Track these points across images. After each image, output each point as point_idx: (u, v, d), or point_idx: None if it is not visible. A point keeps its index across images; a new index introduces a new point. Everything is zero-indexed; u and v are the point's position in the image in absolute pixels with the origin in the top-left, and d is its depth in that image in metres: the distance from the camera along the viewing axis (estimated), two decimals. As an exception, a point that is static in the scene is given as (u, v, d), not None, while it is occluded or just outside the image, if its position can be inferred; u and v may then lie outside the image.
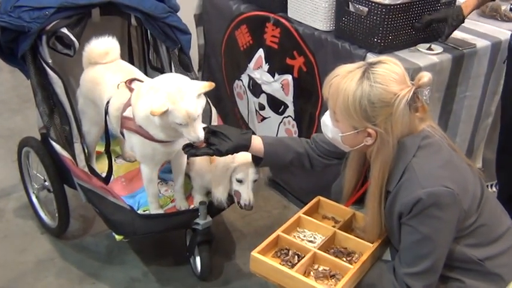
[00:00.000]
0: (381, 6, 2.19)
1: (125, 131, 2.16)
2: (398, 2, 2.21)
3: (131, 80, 2.23)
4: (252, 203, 2.11)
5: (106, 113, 2.23)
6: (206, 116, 2.53)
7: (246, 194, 2.11)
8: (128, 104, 2.11)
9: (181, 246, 2.47)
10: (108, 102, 2.22)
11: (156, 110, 1.87)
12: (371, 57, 2.26)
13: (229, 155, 1.98)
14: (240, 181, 2.10)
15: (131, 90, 2.15)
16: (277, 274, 1.64)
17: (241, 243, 2.68)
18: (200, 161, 2.25)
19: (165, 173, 2.49)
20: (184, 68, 2.60)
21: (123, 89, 2.20)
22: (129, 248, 2.61)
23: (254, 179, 2.11)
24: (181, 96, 1.89)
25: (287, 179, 2.94)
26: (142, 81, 2.23)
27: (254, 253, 1.68)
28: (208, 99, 2.56)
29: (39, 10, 2.25)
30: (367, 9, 2.23)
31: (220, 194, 2.14)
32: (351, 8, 2.30)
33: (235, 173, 2.09)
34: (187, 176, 2.36)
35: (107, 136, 2.32)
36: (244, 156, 2.08)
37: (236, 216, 2.83)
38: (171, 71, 2.61)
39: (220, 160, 2.09)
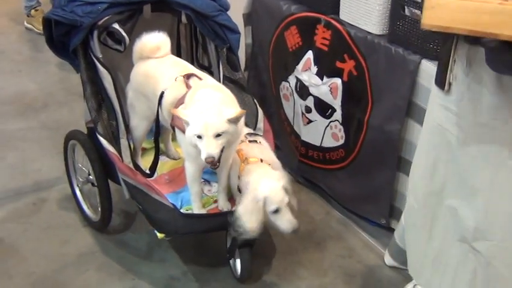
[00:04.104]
0: (439, 11, 2.14)
1: (175, 127, 2.20)
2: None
3: (189, 76, 2.25)
4: (296, 225, 2.10)
5: (159, 104, 2.26)
6: (252, 116, 2.54)
7: (287, 222, 2.10)
8: (181, 101, 2.13)
9: (221, 248, 2.47)
10: (162, 94, 2.25)
11: (178, 113, 2.00)
12: (426, 64, 2.23)
13: (254, 186, 2.06)
14: (276, 211, 2.09)
15: (188, 86, 2.18)
16: (471, 14, 1.30)
17: (282, 247, 2.67)
18: (234, 166, 2.26)
19: (209, 174, 2.50)
20: (232, 67, 2.61)
21: (179, 83, 2.23)
22: (169, 246, 2.63)
23: (287, 202, 2.10)
24: (209, 110, 1.99)
25: (331, 184, 2.91)
26: (200, 78, 2.26)
27: None
28: (255, 100, 2.58)
29: (92, 5, 2.30)
30: (423, 13, 2.19)
31: (252, 224, 2.08)
32: (407, 12, 2.27)
33: (269, 205, 2.07)
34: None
35: (157, 125, 2.35)
36: (270, 185, 2.09)
37: (277, 219, 2.82)
38: (218, 70, 2.63)
39: (249, 192, 2.10)
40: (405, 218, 2.16)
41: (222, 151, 2.01)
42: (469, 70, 1.62)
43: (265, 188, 2.09)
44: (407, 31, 2.28)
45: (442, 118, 1.76)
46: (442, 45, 1.80)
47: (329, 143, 2.80)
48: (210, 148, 1.97)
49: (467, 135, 1.69)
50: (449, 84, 1.70)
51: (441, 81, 1.73)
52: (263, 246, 2.64)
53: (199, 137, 1.98)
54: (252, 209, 2.07)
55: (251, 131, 2.45)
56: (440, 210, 1.86)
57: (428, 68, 2.23)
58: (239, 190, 2.21)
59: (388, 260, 2.54)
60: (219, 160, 2.01)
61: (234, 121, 2.02)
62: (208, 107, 2.02)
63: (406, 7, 2.26)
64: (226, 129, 1.99)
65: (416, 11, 2.22)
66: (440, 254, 1.90)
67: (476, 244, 1.74)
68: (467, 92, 1.65)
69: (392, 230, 2.56)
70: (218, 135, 1.98)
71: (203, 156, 1.98)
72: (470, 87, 1.63)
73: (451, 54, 1.66)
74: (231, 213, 2.28)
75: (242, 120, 2.14)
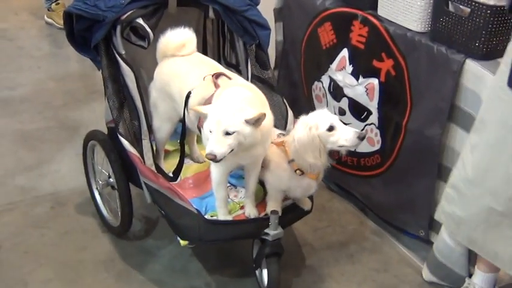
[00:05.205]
0: (486, 7, 2.12)
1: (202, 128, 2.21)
2: (503, 3, 2.13)
3: (218, 75, 2.26)
4: (359, 132, 2.13)
5: (186, 104, 2.27)
6: (282, 117, 2.54)
7: (347, 132, 2.11)
8: (208, 101, 2.14)
9: (247, 257, 2.46)
10: (189, 95, 2.26)
11: (197, 108, 2.04)
12: (471, 64, 2.20)
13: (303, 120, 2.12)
14: (330, 128, 2.10)
15: (217, 85, 2.19)
16: None
17: (312, 258, 2.66)
18: (277, 160, 2.25)
19: (235, 179, 2.50)
20: (261, 65, 2.61)
21: (208, 83, 2.24)
22: (192, 254, 2.64)
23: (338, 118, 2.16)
24: (229, 107, 1.99)
25: (365, 192, 2.89)
26: (230, 78, 2.27)
27: None
28: (284, 100, 2.57)
29: (115, -1, 2.33)
30: (469, 9, 2.17)
31: (310, 155, 2.13)
32: (451, 8, 2.25)
33: (322, 128, 2.10)
34: (260, 183, 2.36)
35: (184, 128, 2.36)
36: (317, 112, 2.16)
37: (307, 228, 2.81)
38: (246, 68, 2.63)
39: (300, 126, 2.14)
40: (479, 219, 2.13)
41: (231, 151, 2.00)
42: None
43: (312, 116, 2.15)
44: (451, 28, 2.26)
45: None
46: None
47: (364, 147, 2.78)
48: (215, 146, 1.96)
49: None
50: None
51: None
52: (292, 257, 2.63)
53: (211, 132, 1.99)
54: (307, 140, 2.11)
55: (283, 132, 2.45)
56: None
57: (473, 69, 2.20)
58: (300, 171, 2.22)
59: (427, 275, 2.51)
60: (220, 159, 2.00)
61: (252, 122, 2.00)
62: (230, 104, 2.02)
63: (450, 3, 2.24)
64: (240, 130, 1.97)
65: (461, 6, 2.20)
66: None
67: None
68: None
69: (431, 243, 2.53)
70: (228, 134, 1.97)
71: (206, 151, 1.98)
72: None
73: None
74: (259, 220, 2.29)
75: (268, 125, 2.13)
